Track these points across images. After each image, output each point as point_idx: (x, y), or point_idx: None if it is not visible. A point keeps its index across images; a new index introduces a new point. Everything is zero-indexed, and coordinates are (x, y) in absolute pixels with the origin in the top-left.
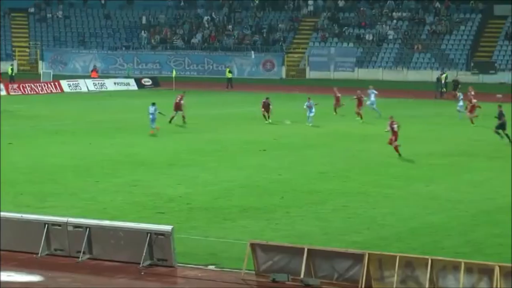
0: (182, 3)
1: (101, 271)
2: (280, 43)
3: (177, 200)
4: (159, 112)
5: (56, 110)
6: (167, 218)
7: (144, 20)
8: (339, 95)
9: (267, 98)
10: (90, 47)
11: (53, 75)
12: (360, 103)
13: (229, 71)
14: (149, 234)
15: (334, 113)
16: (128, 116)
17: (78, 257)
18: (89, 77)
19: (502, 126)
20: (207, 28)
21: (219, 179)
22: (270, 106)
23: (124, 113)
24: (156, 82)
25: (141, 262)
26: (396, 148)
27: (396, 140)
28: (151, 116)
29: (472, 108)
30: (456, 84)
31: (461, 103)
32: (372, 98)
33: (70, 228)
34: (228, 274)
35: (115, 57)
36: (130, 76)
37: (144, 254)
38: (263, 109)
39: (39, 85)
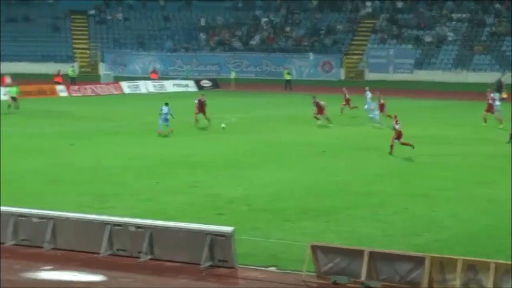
0: (240, 5)
1: (162, 271)
2: (339, 45)
3: (237, 201)
4: (170, 114)
5: (116, 111)
6: (227, 219)
7: (202, 22)
8: (348, 96)
9: (314, 97)
10: (150, 49)
11: (113, 76)
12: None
13: (288, 73)
14: (209, 235)
15: (340, 113)
16: (187, 117)
17: (140, 257)
18: (148, 78)
19: None
20: (265, 29)
21: (278, 181)
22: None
23: (183, 114)
24: (215, 83)
25: (202, 263)
26: (391, 146)
27: (400, 138)
28: (163, 116)
29: None
30: (499, 85)
31: (497, 102)
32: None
33: (131, 229)
34: (289, 276)
35: (174, 59)
36: (189, 77)
37: (204, 255)
38: (316, 110)
39: (100, 87)
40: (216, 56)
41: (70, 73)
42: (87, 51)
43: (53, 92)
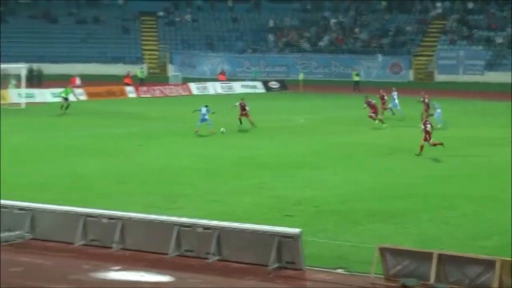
0: (308, 6)
1: (230, 272)
2: (408, 46)
3: (305, 202)
4: (212, 113)
5: (184, 112)
6: (295, 221)
7: (271, 23)
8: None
9: (366, 97)
10: (218, 50)
11: (182, 77)
12: (383, 103)
13: (356, 74)
14: (277, 237)
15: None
16: (254, 118)
17: (207, 258)
18: (217, 79)
19: None
20: (334, 30)
21: (346, 182)
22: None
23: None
24: (283, 85)
25: (269, 265)
26: (421, 147)
27: (430, 139)
28: (201, 117)
29: None
30: None
31: None
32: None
33: (199, 230)
34: (357, 278)
35: (243, 60)
36: (257, 79)
37: (272, 256)
38: (372, 111)
39: (168, 88)
40: (284, 57)
41: (139, 74)
42: (156, 53)
43: (122, 93)
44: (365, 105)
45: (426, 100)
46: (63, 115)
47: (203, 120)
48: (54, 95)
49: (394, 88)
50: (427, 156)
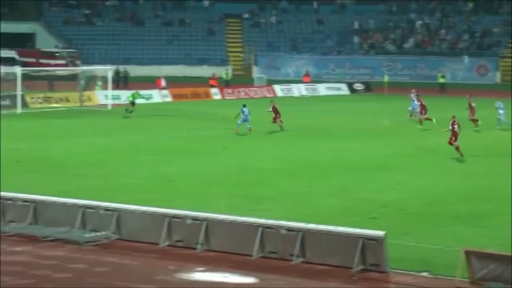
0: (394, 8)
1: (314, 274)
2: (494, 48)
3: (390, 205)
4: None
5: (268, 114)
6: (379, 223)
7: (356, 25)
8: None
9: (416, 95)
10: (303, 52)
11: (266, 79)
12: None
13: (442, 76)
14: (361, 239)
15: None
16: (339, 120)
17: (291, 260)
18: (301, 81)
19: None
20: (419, 32)
21: (431, 185)
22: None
23: (335, 117)
24: (368, 87)
25: (354, 267)
26: (457, 148)
27: (456, 140)
28: (243, 117)
29: None
30: None
31: None
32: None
33: (283, 231)
34: (442, 281)
35: (327, 62)
36: (342, 81)
37: (356, 259)
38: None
39: (253, 90)
40: (369, 59)
41: (224, 76)
42: (241, 55)
43: (207, 95)
44: (468, 105)
45: (473, 104)
46: (127, 117)
47: (245, 120)
48: (141, 97)
49: (413, 90)
50: (507, 159)
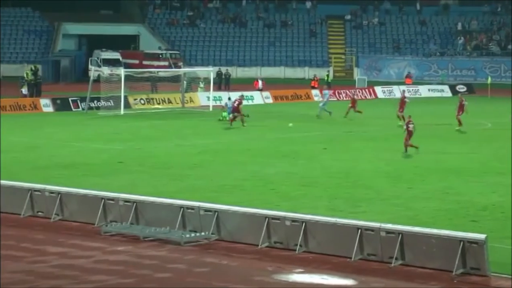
0: (499, 9)
1: (413, 277)
2: None
3: (491, 208)
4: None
5: (370, 116)
6: (480, 227)
7: (459, 26)
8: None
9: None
10: (405, 54)
11: (367, 81)
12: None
13: None
14: (462, 242)
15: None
16: (440, 122)
17: (391, 263)
18: (403, 83)
19: None
20: None
21: None
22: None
23: (437, 119)
24: (471, 88)
25: (454, 270)
26: (410, 146)
27: (409, 139)
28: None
29: None
30: None
31: None
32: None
33: (382, 234)
34: None
35: (430, 64)
36: (445, 82)
37: (456, 262)
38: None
39: (354, 91)
40: (473, 60)
41: (325, 77)
42: (342, 56)
43: (308, 96)
44: None
45: (464, 102)
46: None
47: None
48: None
49: (325, 86)
50: None
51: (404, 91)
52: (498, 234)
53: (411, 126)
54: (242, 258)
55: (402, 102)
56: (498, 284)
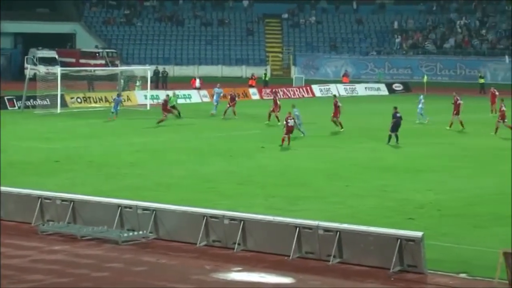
0: (434, 8)
1: (351, 275)
2: None
3: (427, 206)
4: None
5: (307, 114)
6: (417, 224)
7: (396, 25)
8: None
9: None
10: (342, 52)
11: (304, 80)
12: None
13: (481, 77)
14: (399, 240)
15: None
16: (376, 121)
17: (329, 261)
18: (340, 82)
19: None
20: (460, 33)
21: (470, 186)
22: None
23: (372, 118)
24: (407, 87)
25: (391, 268)
26: (282, 140)
27: (287, 133)
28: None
29: None
30: None
31: None
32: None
33: (320, 232)
34: (480, 283)
35: (367, 62)
36: (381, 81)
37: (394, 259)
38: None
39: (291, 90)
40: (409, 59)
41: (263, 76)
42: (280, 55)
43: (246, 95)
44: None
45: (459, 101)
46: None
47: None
48: (179, 97)
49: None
50: None
51: (335, 96)
52: (435, 231)
53: (290, 121)
54: (180, 257)
55: (336, 107)
56: (434, 281)
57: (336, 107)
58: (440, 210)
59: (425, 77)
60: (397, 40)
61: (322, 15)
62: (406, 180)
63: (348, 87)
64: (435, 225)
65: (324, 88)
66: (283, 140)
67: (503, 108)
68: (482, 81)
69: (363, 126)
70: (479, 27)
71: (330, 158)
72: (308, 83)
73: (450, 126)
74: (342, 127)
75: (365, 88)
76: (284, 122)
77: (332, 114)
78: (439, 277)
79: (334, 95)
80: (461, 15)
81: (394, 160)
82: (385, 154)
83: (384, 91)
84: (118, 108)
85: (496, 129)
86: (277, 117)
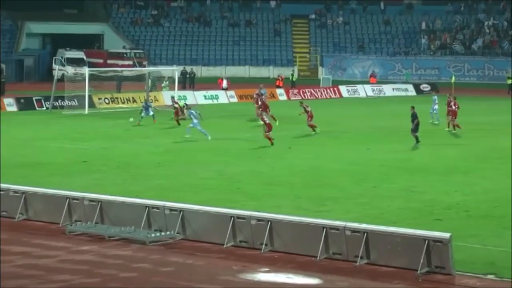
0: (462, 8)
1: (378, 276)
2: None
3: (455, 207)
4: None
5: (334, 115)
6: (445, 225)
7: (423, 26)
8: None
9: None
10: (369, 53)
11: (332, 80)
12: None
13: (509, 77)
14: (426, 241)
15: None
16: (404, 121)
17: (356, 262)
18: (367, 82)
19: None
20: (488, 33)
21: (498, 187)
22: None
23: (401, 118)
24: (434, 87)
25: (419, 269)
26: (269, 138)
27: (268, 131)
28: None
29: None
30: None
31: None
32: None
33: (348, 233)
34: (508, 284)
35: (394, 63)
36: (409, 81)
37: (421, 261)
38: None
39: (319, 90)
40: (437, 60)
41: (290, 77)
42: (307, 55)
43: (273, 95)
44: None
45: (455, 101)
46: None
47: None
48: (206, 97)
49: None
50: None
51: (301, 102)
52: (462, 232)
53: (266, 119)
54: (207, 258)
55: (306, 112)
56: (462, 282)
57: (307, 112)
58: (468, 211)
59: (453, 77)
60: (425, 41)
61: (350, 15)
62: (433, 181)
63: (375, 87)
64: (462, 226)
65: (351, 89)
66: (266, 137)
67: None
68: (510, 81)
69: (391, 127)
70: (508, 28)
71: (357, 159)
72: (336, 83)
73: (454, 128)
74: (314, 130)
75: (393, 88)
76: (262, 121)
77: (308, 119)
78: (467, 278)
79: (301, 101)
80: (489, 15)
81: (421, 161)
82: (412, 155)
83: (411, 91)
84: (150, 113)
85: None
86: (272, 117)
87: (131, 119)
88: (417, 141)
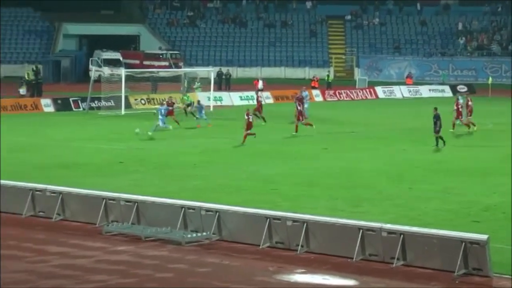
0: (499, 9)
1: (415, 278)
2: None
3: (492, 208)
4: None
5: (370, 116)
6: (482, 227)
7: (460, 26)
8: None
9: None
10: (405, 54)
11: (368, 81)
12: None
13: None
14: (463, 243)
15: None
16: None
17: (392, 263)
18: (403, 83)
19: None
20: None
21: None
22: None
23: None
24: (471, 88)
25: (456, 271)
26: (245, 136)
27: (248, 129)
28: (160, 117)
29: None
30: None
31: None
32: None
33: (384, 234)
34: None
35: (430, 64)
36: (445, 82)
37: (458, 262)
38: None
39: (354, 92)
40: (473, 61)
41: (326, 78)
42: (343, 56)
43: (309, 97)
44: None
45: (470, 103)
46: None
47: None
48: (242, 98)
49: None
50: None
51: (303, 89)
52: (500, 234)
53: (250, 117)
54: (243, 258)
55: (258, 103)
56: (500, 284)
57: (259, 103)
58: (505, 213)
59: (490, 78)
60: (461, 42)
61: (386, 16)
62: (470, 183)
63: (411, 88)
64: (500, 228)
65: (387, 90)
66: (245, 136)
67: None
68: None
69: (427, 128)
70: None
71: (393, 160)
72: (372, 84)
73: (469, 128)
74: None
75: (429, 89)
76: (246, 117)
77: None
78: (505, 280)
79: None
80: None
81: (457, 163)
82: (448, 157)
83: (448, 92)
84: (203, 114)
85: None
86: (263, 118)
87: (137, 130)
88: (441, 142)
